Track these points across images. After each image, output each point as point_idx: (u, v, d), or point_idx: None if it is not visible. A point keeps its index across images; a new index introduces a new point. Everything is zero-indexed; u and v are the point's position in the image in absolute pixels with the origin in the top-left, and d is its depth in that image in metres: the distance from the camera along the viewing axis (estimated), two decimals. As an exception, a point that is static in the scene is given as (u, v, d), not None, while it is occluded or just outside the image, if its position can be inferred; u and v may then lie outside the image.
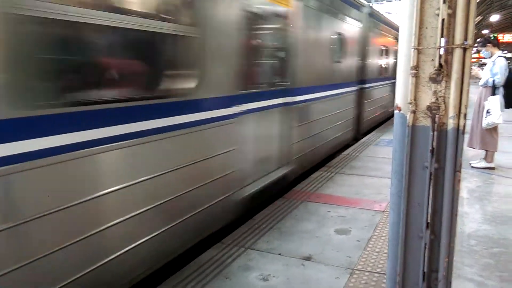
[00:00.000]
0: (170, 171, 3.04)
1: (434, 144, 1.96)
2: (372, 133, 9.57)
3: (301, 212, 4.34)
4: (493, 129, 5.87)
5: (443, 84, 1.91)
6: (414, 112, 1.98)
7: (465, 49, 1.85)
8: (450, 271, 2.05)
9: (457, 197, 1.97)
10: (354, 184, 5.35)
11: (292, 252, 3.42)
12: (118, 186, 2.64)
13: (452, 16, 1.83)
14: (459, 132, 1.91)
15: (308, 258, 3.32)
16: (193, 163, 3.28)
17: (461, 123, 1.90)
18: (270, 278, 3.01)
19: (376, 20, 10.05)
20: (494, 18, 34.69)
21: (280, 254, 3.38)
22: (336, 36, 6.80)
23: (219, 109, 3.58)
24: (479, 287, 2.86)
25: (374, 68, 10.26)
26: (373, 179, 5.58)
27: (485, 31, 38.34)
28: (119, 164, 2.69)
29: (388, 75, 12.10)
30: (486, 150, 6.06)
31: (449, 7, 1.82)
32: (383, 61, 11.55)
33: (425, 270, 2.09)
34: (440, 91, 1.92)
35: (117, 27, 2.58)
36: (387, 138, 8.77)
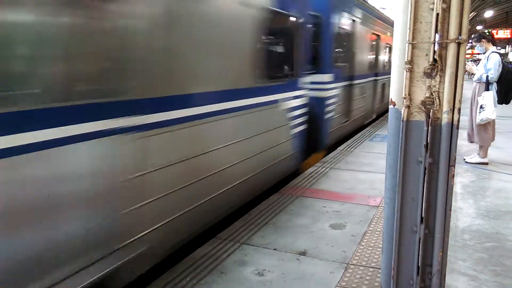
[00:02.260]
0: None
1: (428, 139, 1.97)
2: (367, 128, 9.60)
3: (296, 207, 4.35)
4: (487, 124, 5.90)
5: (437, 79, 1.91)
6: (408, 107, 1.99)
7: (459, 44, 1.85)
8: (444, 265, 2.07)
9: (451, 192, 1.98)
10: (348, 180, 5.36)
11: (287, 247, 3.42)
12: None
13: (446, 10, 1.84)
14: (453, 126, 1.92)
15: (303, 253, 3.33)
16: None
17: (455, 118, 1.91)
18: (265, 273, 3.01)
19: None
20: (488, 14, 34.80)
21: (275, 249, 3.39)
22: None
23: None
24: (472, 281, 2.89)
25: None
26: (368, 174, 5.60)
27: (479, 27, 38.49)
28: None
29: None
30: (480, 145, 6.09)
31: (444, 2, 1.83)
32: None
33: (419, 264, 2.10)
34: (434, 86, 1.92)
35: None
36: (381, 133, 8.80)
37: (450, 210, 2.00)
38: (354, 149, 7.27)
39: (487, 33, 6.48)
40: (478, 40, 6.14)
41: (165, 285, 2.86)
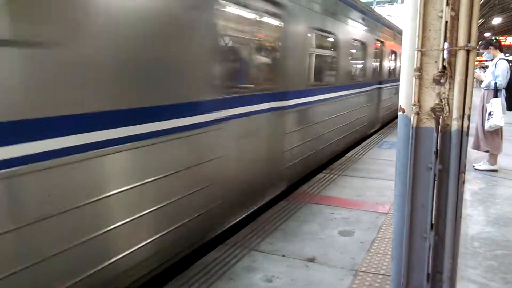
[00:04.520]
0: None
1: (438, 145, 1.98)
2: (375, 135, 9.58)
3: (304, 213, 4.35)
4: (495, 132, 5.88)
5: (447, 86, 1.92)
6: (418, 113, 2.00)
7: (468, 51, 1.86)
8: (454, 272, 2.06)
9: (462, 199, 1.98)
10: (357, 186, 5.36)
11: (295, 254, 3.42)
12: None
13: (455, 18, 1.85)
14: (463, 133, 1.92)
15: (311, 260, 3.33)
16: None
17: (465, 125, 1.91)
18: (274, 280, 3.02)
19: None
20: (496, 21, 34.66)
21: (283, 256, 3.39)
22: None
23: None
24: (483, 289, 2.87)
25: None
26: (376, 181, 5.59)
27: (487, 34, 38.37)
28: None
29: None
30: (489, 153, 6.06)
31: (452, 10, 1.84)
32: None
33: (430, 272, 2.10)
34: (443, 93, 1.93)
35: None
36: (390, 140, 8.78)
37: (461, 216, 2.00)
38: (362, 155, 7.26)
39: (494, 40, 6.44)
40: (486, 47, 6.13)
41: (175, 290, 2.87)
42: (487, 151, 6.09)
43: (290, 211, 4.42)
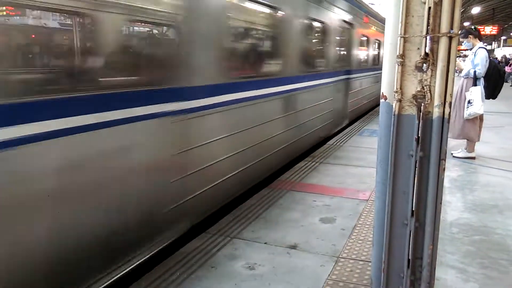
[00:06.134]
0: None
1: (420, 132, 1.98)
2: (356, 123, 9.65)
3: (286, 201, 4.35)
4: (475, 119, 5.97)
5: (429, 72, 1.92)
6: (400, 100, 1.99)
7: (451, 38, 1.86)
8: (434, 258, 2.08)
9: (442, 185, 2.00)
10: (338, 174, 5.39)
11: (277, 241, 3.43)
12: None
13: (438, 4, 1.83)
14: (444, 120, 1.92)
15: (293, 247, 3.33)
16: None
17: (446, 112, 1.92)
18: (256, 267, 3.01)
19: None
20: (475, 10, 35.12)
21: (265, 243, 3.39)
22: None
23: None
24: (461, 274, 2.92)
25: None
26: (357, 169, 5.63)
27: (466, 23, 38.86)
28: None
29: None
30: (468, 140, 6.16)
31: (436, -5, 1.82)
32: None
33: (410, 257, 2.12)
34: (425, 80, 1.93)
35: None
36: (370, 128, 8.85)
37: (441, 203, 2.02)
38: (344, 143, 7.30)
39: (474, 29, 6.53)
40: (465, 36, 6.18)
41: (155, 279, 2.84)
42: (462, 138, 6.19)
43: (272, 199, 4.42)
